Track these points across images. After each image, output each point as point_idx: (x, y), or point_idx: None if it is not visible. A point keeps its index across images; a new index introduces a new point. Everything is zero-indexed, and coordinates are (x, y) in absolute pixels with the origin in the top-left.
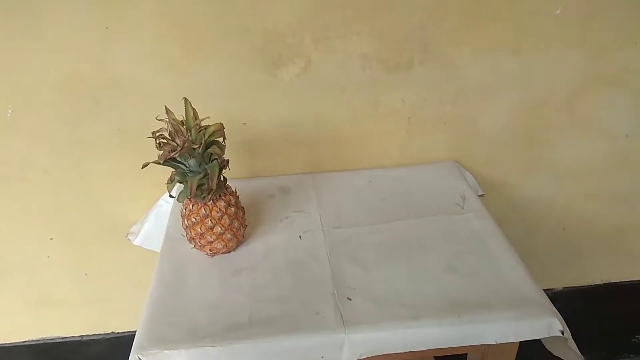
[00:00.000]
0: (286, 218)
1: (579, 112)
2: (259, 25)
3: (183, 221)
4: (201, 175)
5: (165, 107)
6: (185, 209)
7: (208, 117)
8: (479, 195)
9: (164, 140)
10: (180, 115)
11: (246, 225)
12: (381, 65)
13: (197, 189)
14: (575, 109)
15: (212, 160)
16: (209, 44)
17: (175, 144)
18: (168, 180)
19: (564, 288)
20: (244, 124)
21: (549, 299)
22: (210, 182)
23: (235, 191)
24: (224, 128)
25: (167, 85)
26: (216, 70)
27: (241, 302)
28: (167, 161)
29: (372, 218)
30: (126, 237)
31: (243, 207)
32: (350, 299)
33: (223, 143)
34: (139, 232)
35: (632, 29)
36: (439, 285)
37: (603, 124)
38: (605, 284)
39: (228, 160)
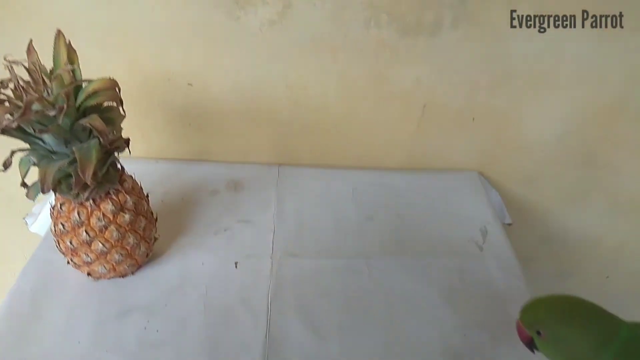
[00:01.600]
0: (225, 230)
1: None
2: None
3: (52, 225)
4: (66, 160)
5: (30, 42)
6: (53, 207)
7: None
8: (506, 224)
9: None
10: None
11: (156, 238)
12: (394, 23)
13: (60, 183)
14: None
15: (92, 139)
16: None
17: (17, 105)
18: (5, 162)
19: None
20: (190, 84)
21: None
22: (80, 173)
23: (141, 187)
24: (117, 87)
25: (79, 12)
26: (151, 2)
27: None
28: (6, 131)
29: (347, 247)
30: (23, 219)
31: (153, 212)
32: None
33: (122, 113)
34: (39, 214)
35: None
36: None
37: None
38: None
39: (128, 139)
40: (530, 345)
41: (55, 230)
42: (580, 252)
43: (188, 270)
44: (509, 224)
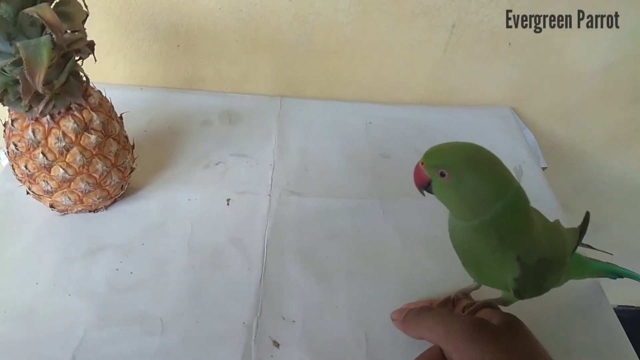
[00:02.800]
0: (217, 164)
1: None
2: None
3: (4, 146)
4: (9, 60)
5: None
6: (5, 124)
7: None
8: (542, 169)
9: None
10: None
11: (133, 169)
12: None
13: (6, 91)
14: None
15: (43, 35)
16: None
17: None
18: None
19: (618, 306)
20: None
21: None
22: (28, 76)
23: (112, 106)
24: None
25: None
26: None
27: (76, 317)
28: None
29: (359, 186)
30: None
31: (127, 136)
32: (277, 345)
33: (85, 8)
34: None
35: None
36: None
37: None
38: None
39: (92, 42)
40: (424, 188)
41: (8, 152)
42: (620, 202)
43: (171, 206)
44: (543, 168)
